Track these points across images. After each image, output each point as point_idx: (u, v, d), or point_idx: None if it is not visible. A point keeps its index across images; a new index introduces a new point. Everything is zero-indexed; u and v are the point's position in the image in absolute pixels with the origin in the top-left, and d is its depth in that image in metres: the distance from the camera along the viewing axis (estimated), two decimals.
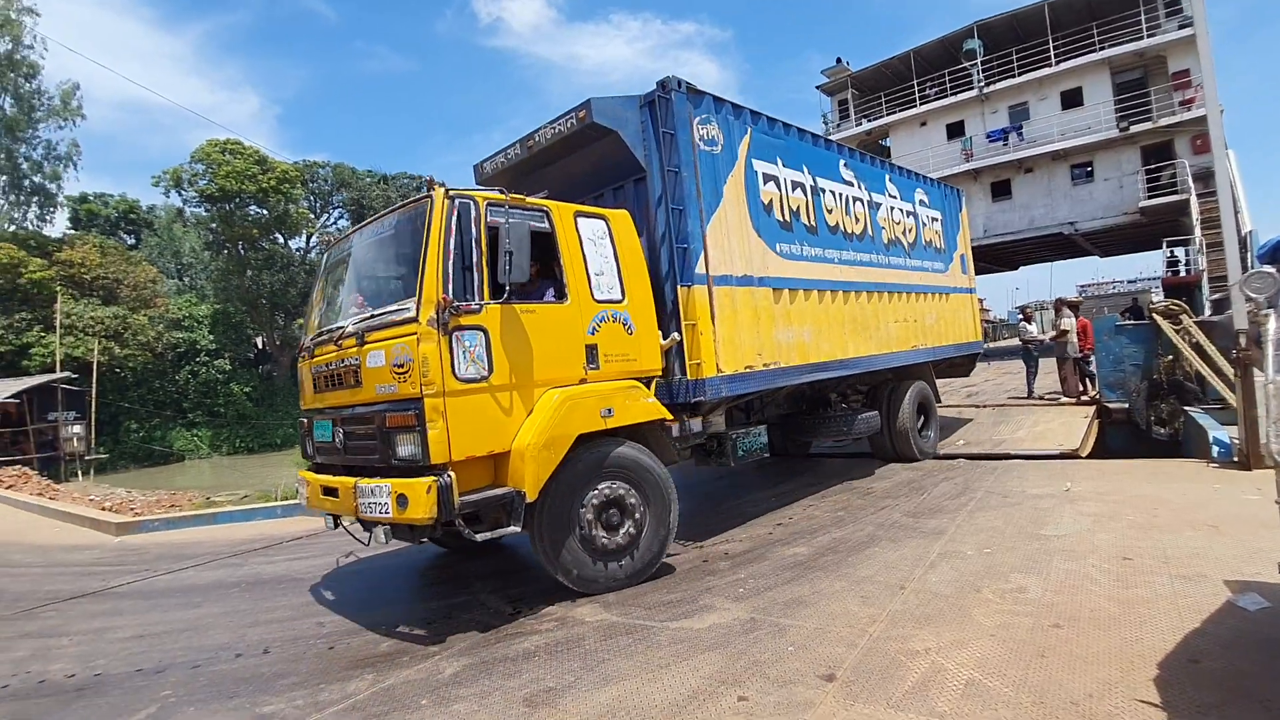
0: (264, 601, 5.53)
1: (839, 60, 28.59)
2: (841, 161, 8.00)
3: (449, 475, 4.06)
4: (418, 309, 4.19)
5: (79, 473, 24.16)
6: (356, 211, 39.76)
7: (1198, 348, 10.44)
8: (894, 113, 26.46)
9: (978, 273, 11.76)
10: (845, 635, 3.79)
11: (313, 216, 39.21)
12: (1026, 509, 6.18)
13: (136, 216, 43.10)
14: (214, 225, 33.86)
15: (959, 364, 11.15)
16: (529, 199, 4.91)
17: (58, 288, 27.51)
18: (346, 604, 5.27)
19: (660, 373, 5.47)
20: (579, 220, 5.14)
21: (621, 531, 4.87)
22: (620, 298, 5.21)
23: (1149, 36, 20.84)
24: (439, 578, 5.83)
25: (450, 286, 4.28)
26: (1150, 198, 20.36)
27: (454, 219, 4.41)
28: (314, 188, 40.01)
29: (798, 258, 6.95)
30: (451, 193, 4.48)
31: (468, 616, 4.70)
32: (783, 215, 6.84)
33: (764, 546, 5.72)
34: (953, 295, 10.22)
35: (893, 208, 8.91)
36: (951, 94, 24.72)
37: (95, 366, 26.41)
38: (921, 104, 25.56)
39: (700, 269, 5.67)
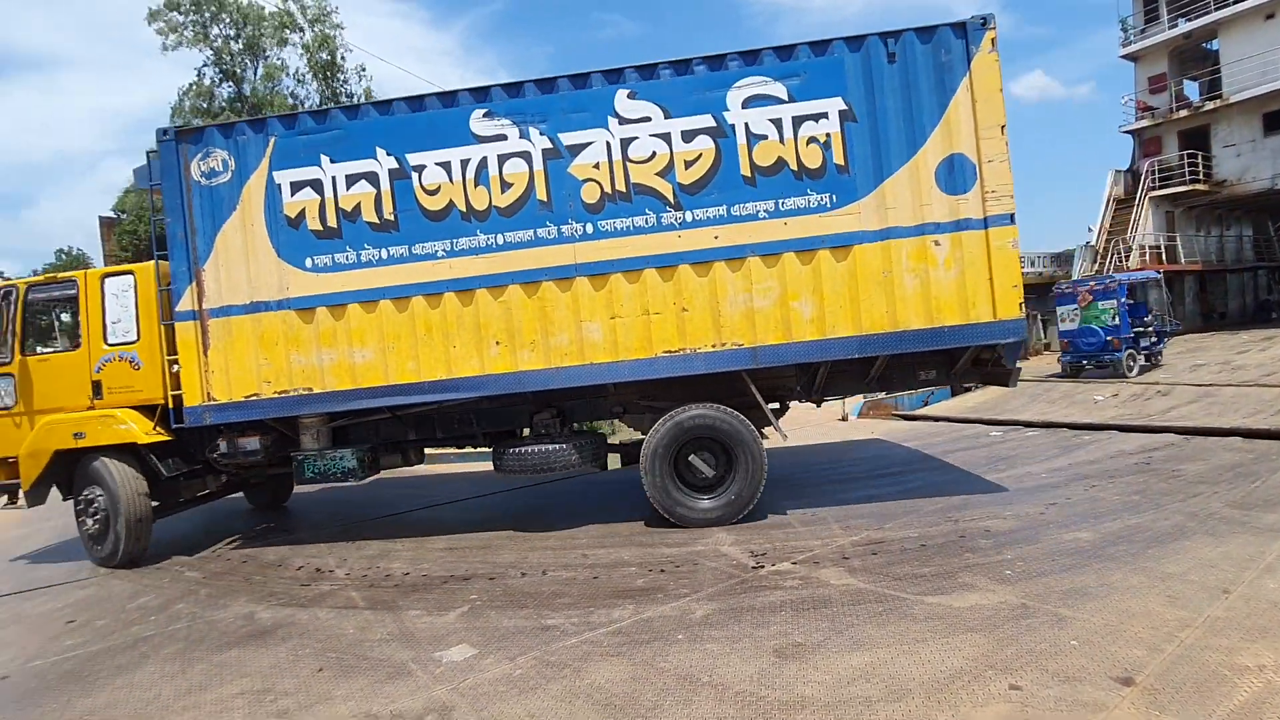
0: (538, 531, 6.37)
1: None
2: (478, 113, 5.93)
3: None
4: None
5: None
6: None
7: None
8: (1225, 6, 20.87)
9: None
10: (1146, 637, 3.28)
11: None
12: None
13: None
14: None
15: (985, 363, 6.25)
16: (63, 274, 6.95)
17: None
18: (601, 540, 5.87)
19: (166, 401, 6.25)
20: (106, 281, 6.50)
21: (93, 525, 6.30)
22: (135, 338, 6.39)
23: None
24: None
25: None
26: None
27: None
28: None
29: (348, 267, 5.99)
30: None
31: (712, 565, 4.95)
32: (323, 223, 6.03)
33: (1035, 527, 5.13)
34: (869, 245, 5.63)
35: (627, 141, 5.82)
36: None
37: None
38: None
39: (185, 305, 6.09)
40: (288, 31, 35.89)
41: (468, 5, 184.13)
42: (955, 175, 5.58)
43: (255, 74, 36.00)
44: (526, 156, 5.88)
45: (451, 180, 5.94)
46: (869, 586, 4.23)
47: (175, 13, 33.38)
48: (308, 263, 6.07)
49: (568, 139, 5.86)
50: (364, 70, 38.79)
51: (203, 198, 6.13)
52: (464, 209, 5.93)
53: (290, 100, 36.60)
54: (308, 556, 6.16)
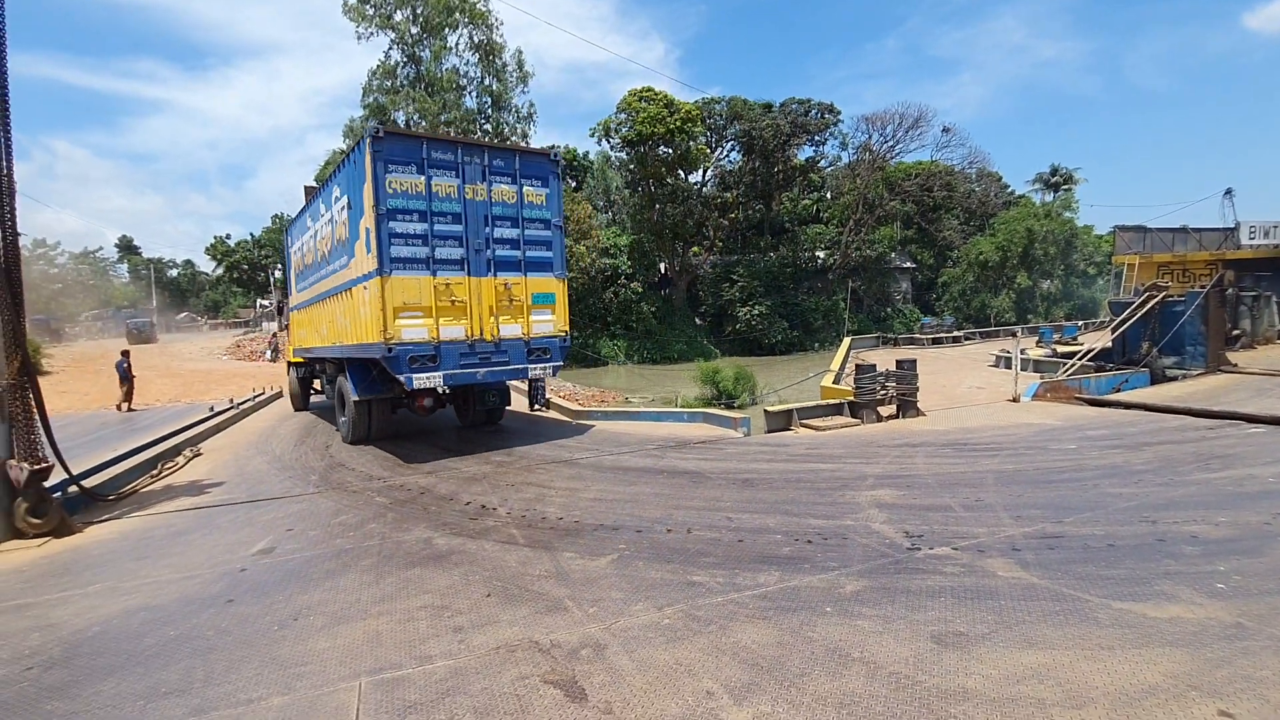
0: (682, 490, 6.51)
1: None
2: (320, 205, 10.62)
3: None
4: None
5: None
6: (747, 143, 41.37)
7: None
8: None
9: None
10: None
11: (709, 151, 42.16)
12: None
13: (577, 163, 52.34)
14: (631, 166, 39.19)
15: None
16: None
17: None
18: (745, 505, 5.87)
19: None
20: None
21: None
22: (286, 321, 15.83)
23: None
24: (826, 496, 6.02)
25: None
26: None
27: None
28: (710, 123, 42.73)
29: (303, 289, 12.56)
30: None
31: (862, 541, 4.79)
32: (299, 268, 12.87)
33: (1256, 537, 4.43)
34: (354, 289, 9.10)
35: (322, 224, 10.47)
36: None
37: None
38: None
39: (290, 303, 14.25)
40: (450, 13, 37.73)
41: None
42: (369, 242, 8.28)
43: (428, 54, 38.38)
44: (314, 234, 11.15)
45: (311, 245, 11.50)
46: (1044, 583, 3.90)
47: (367, 5, 36.40)
48: (296, 287, 13.18)
49: (317, 225, 10.96)
50: (520, 52, 40.26)
51: (287, 254, 14.22)
52: (309, 261, 11.72)
53: (460, 80, 38.73)
54: (474, 494, 6.75)
